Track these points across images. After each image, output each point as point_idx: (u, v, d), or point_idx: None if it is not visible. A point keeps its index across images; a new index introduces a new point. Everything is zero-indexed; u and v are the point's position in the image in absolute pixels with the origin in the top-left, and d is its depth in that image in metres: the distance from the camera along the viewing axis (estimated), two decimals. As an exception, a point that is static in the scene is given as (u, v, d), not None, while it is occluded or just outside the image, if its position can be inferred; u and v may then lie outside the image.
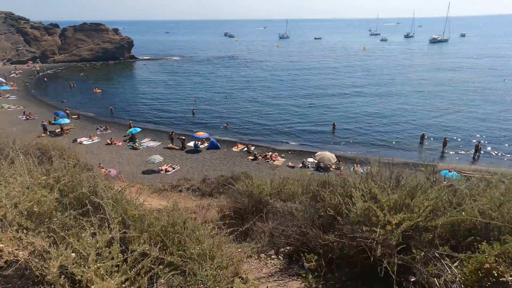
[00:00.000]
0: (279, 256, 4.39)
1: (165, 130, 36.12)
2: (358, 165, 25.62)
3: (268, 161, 26.56)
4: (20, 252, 2.70)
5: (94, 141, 31.47)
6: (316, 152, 27.81)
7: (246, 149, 29.41)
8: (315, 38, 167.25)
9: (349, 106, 44.52)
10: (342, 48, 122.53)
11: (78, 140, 31.53)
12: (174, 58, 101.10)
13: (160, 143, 31.34)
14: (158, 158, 24.82)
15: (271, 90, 56.03)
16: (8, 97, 50.63)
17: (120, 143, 31.01)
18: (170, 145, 30.02)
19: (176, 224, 3.31)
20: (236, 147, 30.02)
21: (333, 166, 25.26)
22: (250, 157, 27.42)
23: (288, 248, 4.38)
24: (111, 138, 31.22)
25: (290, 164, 25.93)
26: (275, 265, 4.37)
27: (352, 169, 24.90)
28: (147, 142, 31.49)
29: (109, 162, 25.84)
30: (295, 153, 28.97)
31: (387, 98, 47.87)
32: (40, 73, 72.05)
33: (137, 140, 31.24)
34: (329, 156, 24.67)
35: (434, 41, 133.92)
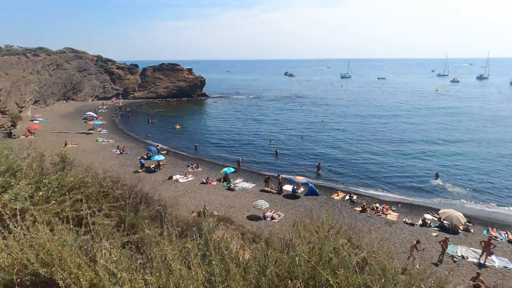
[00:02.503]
0: None
1: (254, 171, 35.45)
2: (494, 228, 21.99)
3: (379, 215, 23.98)
4: None
5: (189, 179, 31.49)
6: (434, 208, 24.74)
7: (348, 198, 27.21)
8: (378, 78, 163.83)
9: (449, 154, 40.45)
10: (412, 89, 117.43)
11: (174, 177, 31.79)
12: (241, 96, 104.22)
13: (254, 184, 30.39)
14: (264, 203, 23.56)
15: (347, 133, 53.55)
16: (100, 130, 54.50)
17: (214, 183, 30.62)
18: (267, 188, 28.88)
19: None
20: (336, 194, 27.96)
21: (461, 228, 21.93)
22: (357, 208, 25.07)
23: None
24: (207, 178, 31.01)
25: (407, 220, 23.03)
26: None
27: (485, 233, 21.40)
28: (241, 183, 30.75)
29: (212, 203, 25.16)
30: (405, 206, 26.02)
31: (495, 149, 42.56)
32: (123, 109, 77.71)
33: (231, 180, 30.68)
34: (457, 215, 21.48)
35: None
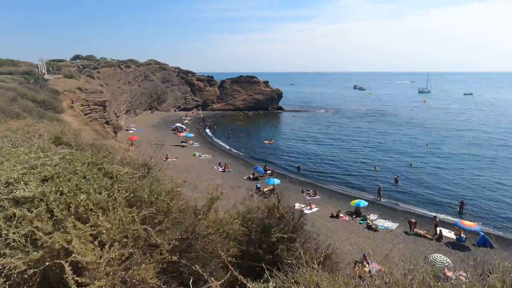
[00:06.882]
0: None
1: (385, 204, 30.27)
2: None
3: None
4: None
5: (313, 210, 27.42)
6: None
7: (539, 255, 20.83)
8: (464, 94, 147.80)
9: None
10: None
11: (296, 206, 27.93)
12: (320, 110, 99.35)
13: (397, 224, 25.23)
14: (445, 259, 18.36)
15: (463, 159, 45.21)
16: (192, 143, 53.27)
17: (347, 218, 26.11)
18: (420, 231, 23.55)
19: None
20: (518, 248, 21.74)
21: None
22: None
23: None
24: (338, 211, 26.64)
25: None
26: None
27: None
28: (378, 221, 25.80)
29: (364, 249, 20.56)
30: None
31: None
32: (207, 121, 77.18)
33: (367, 216, 25.93)
34: None
35: None
